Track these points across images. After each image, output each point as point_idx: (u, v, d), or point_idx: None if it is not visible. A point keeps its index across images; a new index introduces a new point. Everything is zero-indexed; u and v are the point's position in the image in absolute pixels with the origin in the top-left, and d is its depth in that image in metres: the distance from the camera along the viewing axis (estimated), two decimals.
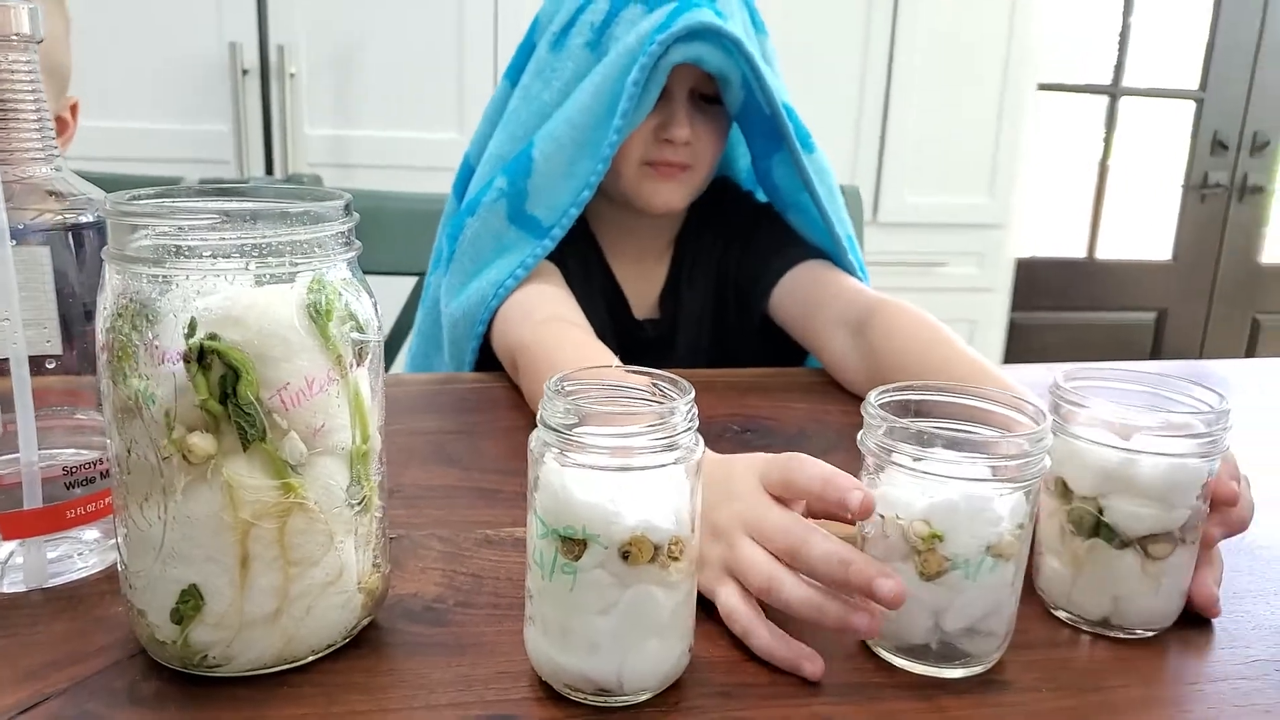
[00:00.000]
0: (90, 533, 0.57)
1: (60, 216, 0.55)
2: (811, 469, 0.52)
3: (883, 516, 0.50)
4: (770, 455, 0.56)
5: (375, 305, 0.50)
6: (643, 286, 1.15)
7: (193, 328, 0.43)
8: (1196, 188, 3.32)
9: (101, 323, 0.46)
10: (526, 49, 1.11)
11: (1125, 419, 0.53)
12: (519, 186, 1.01)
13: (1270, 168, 3.35)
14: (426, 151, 2.23)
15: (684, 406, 0.46)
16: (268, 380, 0.44)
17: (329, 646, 0.50)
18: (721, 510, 0.55)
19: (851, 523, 0.53)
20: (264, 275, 0.45)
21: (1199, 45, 3.25)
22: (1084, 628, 0.56)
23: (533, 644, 0.48)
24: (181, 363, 0.43)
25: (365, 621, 0.52)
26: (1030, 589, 0.57)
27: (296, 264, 0.46)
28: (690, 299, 1.16)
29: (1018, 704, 0.49)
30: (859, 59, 2.48)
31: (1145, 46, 3.23)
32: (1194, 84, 3.27)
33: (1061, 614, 0.57)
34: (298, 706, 0.46)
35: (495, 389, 0.97)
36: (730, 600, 0.53)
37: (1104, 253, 3.36)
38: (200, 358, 0.43)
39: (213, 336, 0.43)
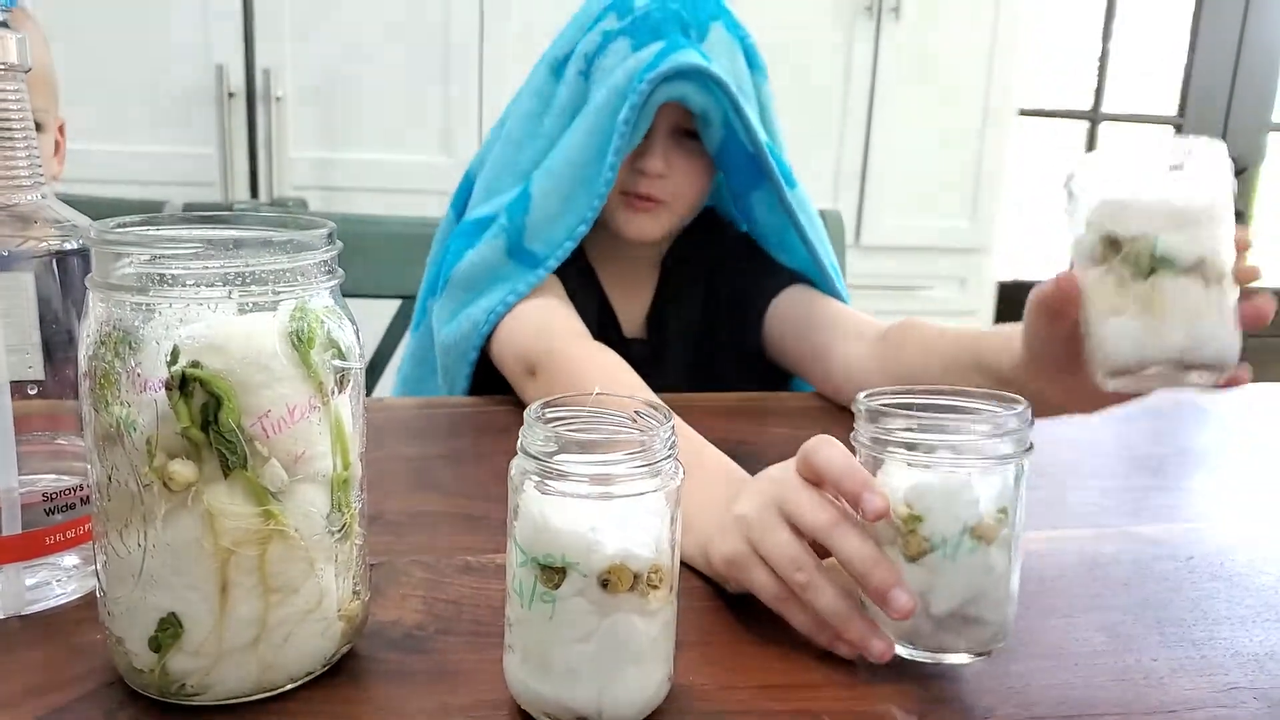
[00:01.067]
0: (69, 559, 0.57)
1: (45, 243, 0.55)
2: (831, 451, 0.53)
3: None
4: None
5: (357, 332, 0.50)
6: (631, 306, 1.17)
7: (175, 355, 0.44)
8: None
9: (84, 350, 0.46)
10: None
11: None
12: (518, 223, 1.04)
13: (1248, 193, 3.39)
14: (412, 175, 2.23)
15: (664, 434, 0.46)
16: (249, 408, 0.44)
17: (308, 675, 0.49)
18: (755, 489, 0.57)
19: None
20: (246, 303, 0.45)
21: (1177, 71, 3.29)
22: (1159, 372, 0.57)
23: (512, 672, 0.48)
24: (163, 390, 0.43)
25: (344, 649, 0.52)
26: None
27: (279, 292, 0.46)
28: (677, 320, 1.17)
29: None
30: (841, 83, 2.50)
31: (1124, 72, 3.27)
32: (1173, 110, 3.31)
33: (1125, 380, 0.57)
34: None
35: (480, 414, 0.97)
36: (773, 584, 0.55)
37: None
38: (182, 385, 0.43)
39: (195, 364, 0.43)
